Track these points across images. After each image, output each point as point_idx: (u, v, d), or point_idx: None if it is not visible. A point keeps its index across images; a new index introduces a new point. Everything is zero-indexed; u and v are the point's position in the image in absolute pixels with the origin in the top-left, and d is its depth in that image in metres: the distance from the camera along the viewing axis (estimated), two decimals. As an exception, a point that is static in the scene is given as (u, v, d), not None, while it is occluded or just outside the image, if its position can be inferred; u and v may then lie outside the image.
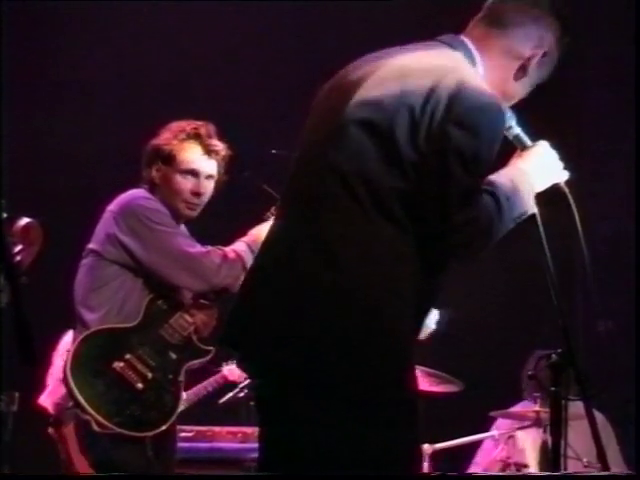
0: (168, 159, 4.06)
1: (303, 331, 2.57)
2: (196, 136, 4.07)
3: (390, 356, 2.57)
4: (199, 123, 4.11)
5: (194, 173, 4.06)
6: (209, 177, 4.10)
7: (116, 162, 6.02)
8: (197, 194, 4.07)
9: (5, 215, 2.55)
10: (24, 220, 2.73)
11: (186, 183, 4.06)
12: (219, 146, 4.11)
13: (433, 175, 2.57)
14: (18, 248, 2.68)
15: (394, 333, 2.59)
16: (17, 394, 3.74)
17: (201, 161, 4.07)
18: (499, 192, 2.62)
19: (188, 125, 4.09)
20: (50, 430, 4.19)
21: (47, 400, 4.13)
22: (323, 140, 2.68)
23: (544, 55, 2.84)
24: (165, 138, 4.09)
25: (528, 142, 2.89)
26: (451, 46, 2.79)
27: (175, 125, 4.11)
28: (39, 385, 4.45)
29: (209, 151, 4.09)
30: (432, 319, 4.28)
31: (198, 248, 3.98)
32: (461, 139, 2.56)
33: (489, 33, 2.81)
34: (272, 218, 4.02)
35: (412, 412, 2.64)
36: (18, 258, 2.66)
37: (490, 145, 2.64)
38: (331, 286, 2.56)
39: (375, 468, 2.55)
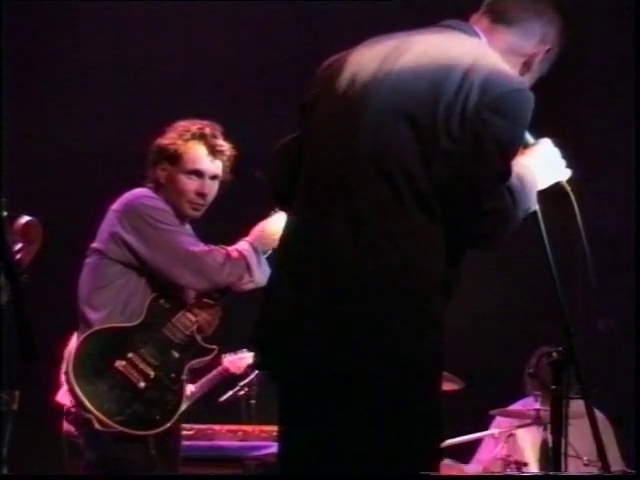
0: (173, 159, 4.06)
1: (348, 329, 2.55)
2: (201, 136, 4.07)
3: (432, 351, 2.59)
4: (204, 123, 4.10)
5: (199, 173, 4.06)
6: (214, 177, 4.09)
7: (116, 160, 6.02)
8: (201, 194, 4.06)
9: (5, 213, 2.54)
10: (24, 218, 2.73)
11: (191, 183, 4.05)
12: (224, 146, 4.10)
13: (467, 161, 2.56)
14: (18, 246, 2.68)
15: (437, 330, 2.60)
16: (17, 393, 3.73)
17: (206, 161, 4.07)
18: (512, 186, 2.62)
19: (193, 125, 4.09)
20: (67, 427, 4.18)
21: (66, 397, 4.12)
22: (354, 130, 2.64)
23: (547, 51, 2.85)
24: (170, 138, 4.08)
25: (530, 140, 2.89)
26: (466, 33, 2.79)
27: (180, 125, 4.10)
28: (43, 384, 4.45)
29: (214, 151, 4.08)
30: None
31: (201, 247, 3.98)
32: (497, 125, 2.56)
33: (494, 29, 2.81)
34: (276, 215, 4.03)
35: (440, 407, 2.65)
36: (18, 256, 2.66)
37: (523, 130, 2.66)
38: (376, 282, 2.54)
39: (410, 464, 2.56)
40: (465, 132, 2.55)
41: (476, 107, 2.55)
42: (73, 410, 3.97)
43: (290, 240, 2.75)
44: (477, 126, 2.55)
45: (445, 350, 2.63)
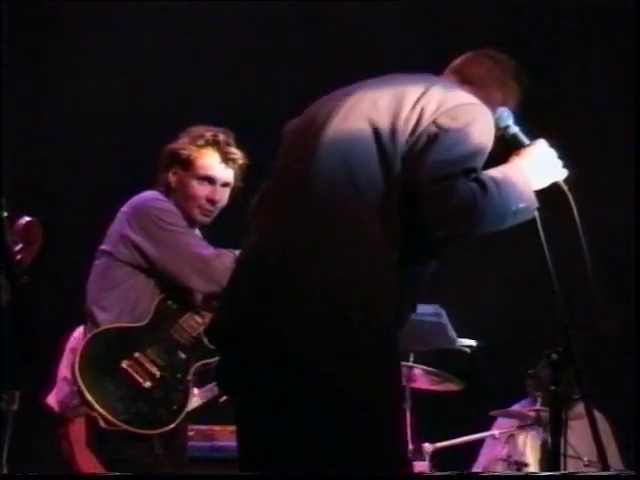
0: (185, 164, 4.06)
1: (299, 328, 2.59)
2: (215, 143, 4.07)
3: (380, 352, 2.61)
4: (218, 130, 4.10)
5: (211, 180, 4.06)
6: (225, 185, 4.09)
7: (117, 162, 6.02)
8: (212, 201, 4.06)
9: (5, 214, 2.55)
10: (25, 219, 2.73)
11: (202, 189, 4.05)
12: (237, 154, 4.09)
13: (415, 156, 2.65)
14: (18, 247, 2.68)
15: (385, 333, 2.63)
16: (17, 393, 3.75)
17: (218, 168, 4.07)
18: (484, 177, 2.68)
19: (207, 131, 4.09)
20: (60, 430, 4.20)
21: (53, 399, 4.14)
22: (320, 133, 2.76)
23: None
24: (183, 143, 4.08)
25: (526, 141, 2.93)
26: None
27: (194, 130, 4.11)
28: (43, 384, 4.45)
29: (227, 159, 4.08)
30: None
31: (210, 250, 3.97)
32: (452, 128, 2.65)
33: (463, 87, 2.92)
34: None
35: (397, 408, 2.69)
36: (19, 257, 2.66)
37: (482, 138, 2.70)
38: (326, 282, 2.60)
39: (358, 464, 2.57)
40: (420, 136, 2.66)
41: (432, 115, 2.68)
42: (58, 412, 3.99)
43: (250, 244, 2.81)
44: (431, 129, 2.67)
45: (396, 354, 2.69)
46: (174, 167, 4.09)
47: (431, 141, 2.64)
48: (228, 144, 4.09)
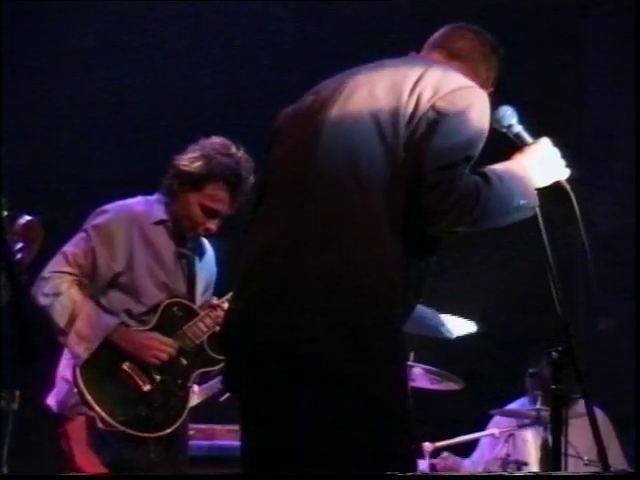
0: (196, 187, 4.06)
1: (306, 327, 2.58)
2: (233, 185, 4.06)
3: (387, 346, 2.61)
4: (241, 172, 4.07)
5: (215, 214, 4.08)
6: (225, 216, 4.12)
7: (118, 161, 6.02)
8: (208, 230, 4.10)
9: (6, 213, 2.55)
10: (25, 218, 2.73)
11: (204, 219, 4.07)
12: (247, 194, 4.05)
13: (417, 143, 2.64)
14: (19, 246, 2.68)
15: (391, 324, 2.63)
16: (17, 392, 3.74)
17: (226, 205, 4.09)
18: (488, 171, 2.69)
19: (229, 168, 4.06)
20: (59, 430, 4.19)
21: (52, 400, 4.14)
22: (319, 129, 2.74)
23: (489, 93, 2.97)
24: (200, 165, 4.06)
25: (529, 140, 2.93)
26: (419, 58, 2.98)
27: (217, 158, 4.06)
28: (42, 384, 4.44)
29: (237, 199, 4.09)
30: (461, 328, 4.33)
31: (58, 274, 3.90)
32: (450, 112, 2.66)
33: (450, 63, 2.94)
34: None
35: (405, 405, 2.68)
36: (19, 256, 2.66)
37: (480, 121, 2.71)
38: (332, 280, 2.59)
39: (372, 463, 2.56)
40: (420, 122, 2.65)
41: (430, 100, 2.67)
42: (56, 412, 3.99)
43: (254, 244, 2.78)
44: (430, 114, 2.66)
45: (403, 350, 2.69)
46: (183, 181, 4.08)
47: (431, 127, 2.64)
48: (246, 186, 4.07)
